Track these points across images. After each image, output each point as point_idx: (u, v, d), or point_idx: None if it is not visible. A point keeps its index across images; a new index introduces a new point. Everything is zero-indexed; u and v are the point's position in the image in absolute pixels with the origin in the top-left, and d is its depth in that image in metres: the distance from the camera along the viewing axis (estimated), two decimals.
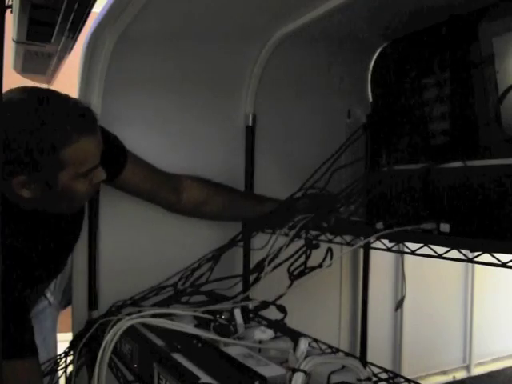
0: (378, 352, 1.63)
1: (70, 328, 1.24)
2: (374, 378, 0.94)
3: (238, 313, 1.01)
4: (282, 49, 1.32)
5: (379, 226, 0.91)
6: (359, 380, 0.77)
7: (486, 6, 1.00)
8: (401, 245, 0.90)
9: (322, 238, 1.05)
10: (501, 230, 0.75)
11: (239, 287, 1.28)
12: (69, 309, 1.30)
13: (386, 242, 0.91)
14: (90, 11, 1.05)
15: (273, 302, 1.10)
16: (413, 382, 0.93)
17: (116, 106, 1.24)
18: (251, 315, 1.18)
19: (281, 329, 1.04)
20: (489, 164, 0.80)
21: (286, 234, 1.11)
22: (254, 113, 1.40)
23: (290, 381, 0.73)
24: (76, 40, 1.27)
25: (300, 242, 1.07)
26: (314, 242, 1.05)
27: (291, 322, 1.08)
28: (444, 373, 1.90)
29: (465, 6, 1.04)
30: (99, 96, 1.20)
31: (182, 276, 1.25)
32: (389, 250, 0.90)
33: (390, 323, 1.76)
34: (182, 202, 1.25)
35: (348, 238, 1.02)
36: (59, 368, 1.15)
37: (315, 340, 1.08)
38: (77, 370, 1.12)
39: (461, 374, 1.93)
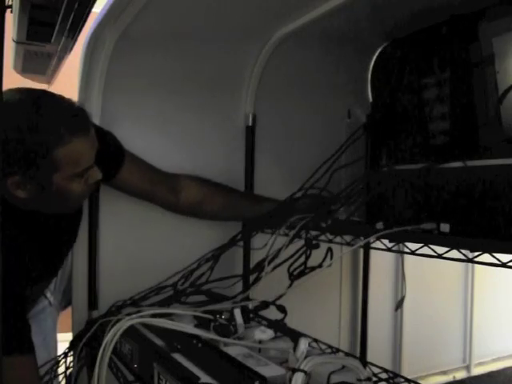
0: (378, 352, 1.63)
1: (70, 328, 1.24)
2: (374, 378, 0.94)
3: (237, 313, 1.01)
4: (282, 49, 1.32)
5: (379, 226, 0.92)
6: (359, 380, 0.77)
7: (486, 6, 1.00)
8: (401, 245, 0.90)
9: (322, 238, 1.05)
10: (501, 230, 0.75)
11: (239, 287, 1.28)
12: (69, 309, 1.30)
13: (386, 241, 0.91)
14: (89, 11, 1.05)
15: (273, 302, 1.10)
16: (413, 381, 0.93)
17: (116, 106, 1.24)
18: (251, 315, 1.18)
19: (281, 329, 1.04)
20: (489, 164, 0.79)
21: (286, 234, 1.11)
22: (254, 113, 1.40)
23: (290, 381, 0.73)
24: (76, 40, 1.27)
25: (300, 242, 1.07)
26: (314, 242, 1.05)
27: (291, 322, 1.08)
28: (444, 373, 1.90)
29: (465, 5, 1.03)
30: (99, 96, 1.20)
31: (182, 276, 1.25)
32: (389, 250, 0.90)
33: (390, 323, 1.75)
34: (180, 202, 1.25)
35: (348, 237, 1.01)
36: (59, 368, 1.15)
37: (315, 340, 1.08)
38: (77, 370, 1.12)
39: (461, 374, 1.93)
